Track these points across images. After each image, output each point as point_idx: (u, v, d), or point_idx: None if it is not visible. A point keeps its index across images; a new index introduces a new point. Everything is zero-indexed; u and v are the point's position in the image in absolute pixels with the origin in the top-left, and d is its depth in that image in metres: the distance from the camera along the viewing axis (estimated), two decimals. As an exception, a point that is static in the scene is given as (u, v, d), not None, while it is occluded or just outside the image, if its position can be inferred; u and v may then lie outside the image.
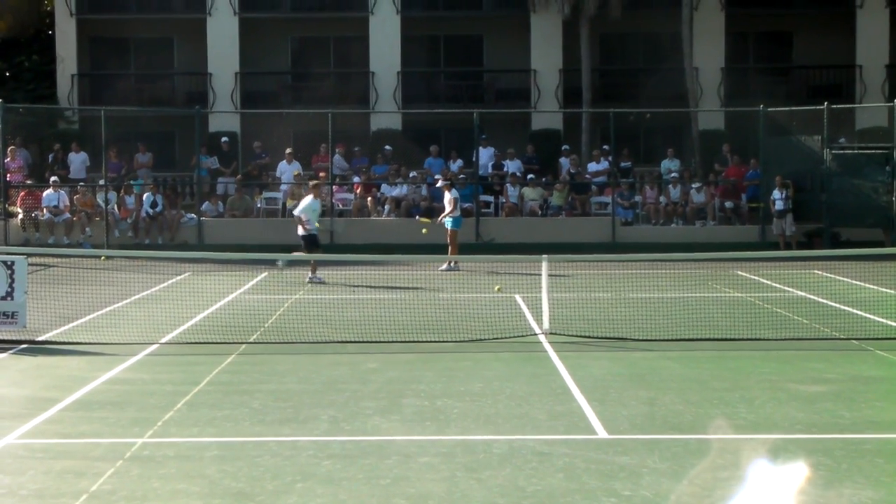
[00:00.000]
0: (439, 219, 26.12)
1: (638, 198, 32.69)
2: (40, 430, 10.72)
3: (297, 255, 23.33)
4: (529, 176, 32.96)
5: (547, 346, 15.19)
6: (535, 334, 16.15)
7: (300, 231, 23.66)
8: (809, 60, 40.97)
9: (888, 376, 13.39)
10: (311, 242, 23.68)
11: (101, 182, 31.27)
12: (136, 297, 20.69)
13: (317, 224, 24.11)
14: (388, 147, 34.66)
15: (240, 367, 13.91)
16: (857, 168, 30.69)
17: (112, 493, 8.64)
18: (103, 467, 9.30)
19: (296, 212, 24.20)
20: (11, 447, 10.06)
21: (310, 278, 23.09)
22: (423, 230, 26.02)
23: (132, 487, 8.80)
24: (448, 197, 25.97)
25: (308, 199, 23.98)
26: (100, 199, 31.09)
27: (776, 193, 30.51)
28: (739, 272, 24.51)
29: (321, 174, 32.56)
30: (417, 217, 26.44)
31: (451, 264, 24.99)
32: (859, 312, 18.29)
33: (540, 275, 16.99)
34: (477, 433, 10.50)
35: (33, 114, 36.49)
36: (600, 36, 39.97)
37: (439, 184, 27.32)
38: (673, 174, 33.20)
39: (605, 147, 33.33)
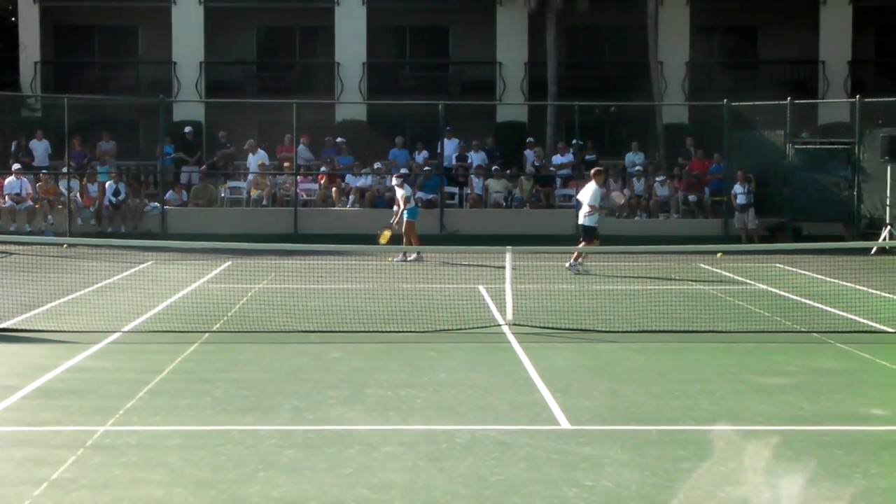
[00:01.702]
0: (394, 220, 26.01)
1: (602, 190, 32.70)
2: (0, 417, 10.66)
3: (581, 247, 23.02)
4: (494, 168, 32.98)
5: (510, 337, 15.23)
6: (499, 325, 16.18)
7: (581, 220, 23.43)
8: (774, 56, 41.20)
9: (848, 369, 13.50)
10: (589, 233, 23.23)
11: (64, 170, 31.08)
12: (99, 285, 20.57)
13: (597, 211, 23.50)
14: (340, 139, 34.49)
15: (202, 355, 13.87)
16: (820, 163, 30.87)
17: (73, 482, 8.60)
18: (64, 455, 9.25)
19: (587, 201, 23.29)
20: (-29, 435, 10.00)
21: (570, 265, 22.93)
22: (382, 240, 25.72)
23: (93, 475, 8.76)
24: (401, 193, 25.96)
25: (593, 187, 23.55)
26: (62, 186, 30.90)
27: (738, 188, 30.67)
28: (702, 265, 24.64)
29: (286, 164, 32.50)
30: (379, 231, 26.03)
31: (417, 254, 25.00)
32: (820, 306, 18.45)
33: (503, 266, 17.03)
34: (440, 423, 10.52)
35: (-5, 101, 36.22)
36: (566, 29, 40.05)
37: (393, 181, 27.19)
38: (637, 167, 33.32)
39: (575, 141, 33.24)
